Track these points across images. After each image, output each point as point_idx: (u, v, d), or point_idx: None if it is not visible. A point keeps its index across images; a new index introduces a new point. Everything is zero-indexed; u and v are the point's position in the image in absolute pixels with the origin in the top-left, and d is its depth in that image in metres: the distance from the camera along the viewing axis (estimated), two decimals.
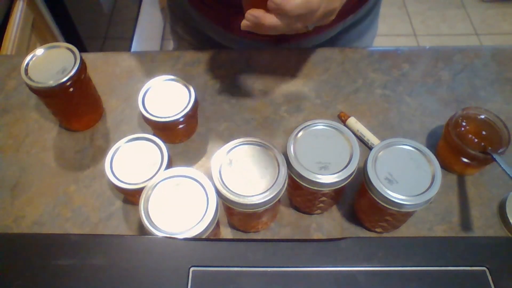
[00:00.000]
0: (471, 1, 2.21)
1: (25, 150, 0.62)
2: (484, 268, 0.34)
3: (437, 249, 0.36)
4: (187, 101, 0.57)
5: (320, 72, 0.69)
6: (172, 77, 0.59)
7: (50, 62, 0.56)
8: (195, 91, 0.57)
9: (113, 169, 0.51)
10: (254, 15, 0.44)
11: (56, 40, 1.24)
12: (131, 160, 0.52)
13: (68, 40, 1.29)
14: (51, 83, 0.53)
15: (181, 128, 0.57)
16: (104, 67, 0.68)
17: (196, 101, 0.57)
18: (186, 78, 0.68)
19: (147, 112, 0.56)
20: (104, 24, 1.44)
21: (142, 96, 0.57)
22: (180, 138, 0.61)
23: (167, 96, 0.57)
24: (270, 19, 0.44)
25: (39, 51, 0.57)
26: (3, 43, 1.00)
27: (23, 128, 0.64)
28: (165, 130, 0.58)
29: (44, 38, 1.19)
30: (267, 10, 0.44)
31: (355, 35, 0.78)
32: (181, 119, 0.55)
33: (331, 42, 0.76)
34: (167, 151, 0.52)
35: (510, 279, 0.34)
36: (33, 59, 0.56)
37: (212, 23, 0.75)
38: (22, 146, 0.62)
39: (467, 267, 0.35)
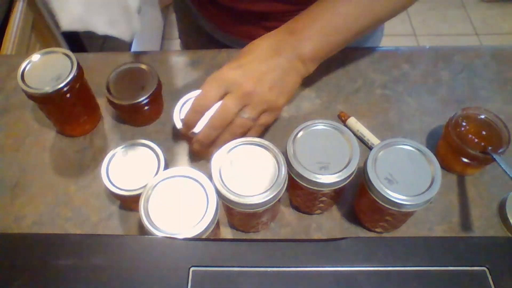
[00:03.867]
0: (471, 1, 2.21)
1: (25, 150, 0.62)
2: (484, 268, 0.34)
3: (437, 249, 0.36)
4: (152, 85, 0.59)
5: (320, 72, 0.69)
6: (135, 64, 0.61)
7: (46, 67, 0.56)
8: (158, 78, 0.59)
9: (110, 176, 0.51)
10: (196, 142, 0.52)
11: (56, 40, 1.24)
12: (128, 166, 0.52)
13: (68, 40, 1.29)
14: (47, 89, 0.53)
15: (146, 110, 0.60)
16: (104, 67, 0.68)
17: (158, 83, 0.59)
18: (186, 78, 0.68)
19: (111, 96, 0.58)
20: None
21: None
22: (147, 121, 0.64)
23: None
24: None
25: (35, 56, 0.56)
26: (3, 43, 1.00)
27: (23, 128, 0.64)
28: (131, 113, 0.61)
29: (44, 38, 1.19)
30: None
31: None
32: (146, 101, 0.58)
33: None
34: (164, 157, 0.52)
35: (510, 279, 0.34)
36: (30, 64, 0.56)
37: (211, 24, 0.75)
38: (22, 146, 0.62)
39: (467, 267, 0.35)
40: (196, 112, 0.50)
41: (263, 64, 0.51)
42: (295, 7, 0.68)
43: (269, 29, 0.61)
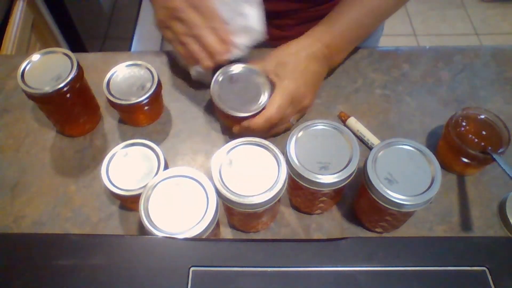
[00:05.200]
0: (471, 1, 2.21)
1: (25, 150, 0.62)
2: (484, 268, 0.34)
3: (437, 249, 0.36)
4: (151, 82, 0.59)
5: None
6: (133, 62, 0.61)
7: (46, 67, 0.56)
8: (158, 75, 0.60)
9: (110, 176, 0.51)
10: (244, 127, 0.56)
11: (56, 40, 1.24)
12: (128, 166, 0.52)
13: (68, 40, 1.28)
14: (47, 89, 0.53)
15: (146, 110, 0.60)
16: (104, 67, 0.68)
17: (158, 83, 0.59)
18: (186, 78, 0.68)
19: (112, 96, 0.58)
20: (104, 24, 1.43)
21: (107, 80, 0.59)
22: (147, 121, 0.64)
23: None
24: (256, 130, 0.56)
25: (35, 56, 0.56)
26: (3, 43, 0.99)
27: (23, 128, 0.64)
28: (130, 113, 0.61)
29: (44, 38, 1.19)
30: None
31: None
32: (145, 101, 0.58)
33: None
34: (164, 157, 0.52)
35: (510, 279, 0.34)
36: (30, 64, 0.56)
37: None
38: (22, 146, 0.62)
39: (467, 267, 0.35)
40: (268, 123, 0.55)
41: (315, 76, 0.59)
42: (308, 4, 0.68)
43: (280, 27, 0.62)
